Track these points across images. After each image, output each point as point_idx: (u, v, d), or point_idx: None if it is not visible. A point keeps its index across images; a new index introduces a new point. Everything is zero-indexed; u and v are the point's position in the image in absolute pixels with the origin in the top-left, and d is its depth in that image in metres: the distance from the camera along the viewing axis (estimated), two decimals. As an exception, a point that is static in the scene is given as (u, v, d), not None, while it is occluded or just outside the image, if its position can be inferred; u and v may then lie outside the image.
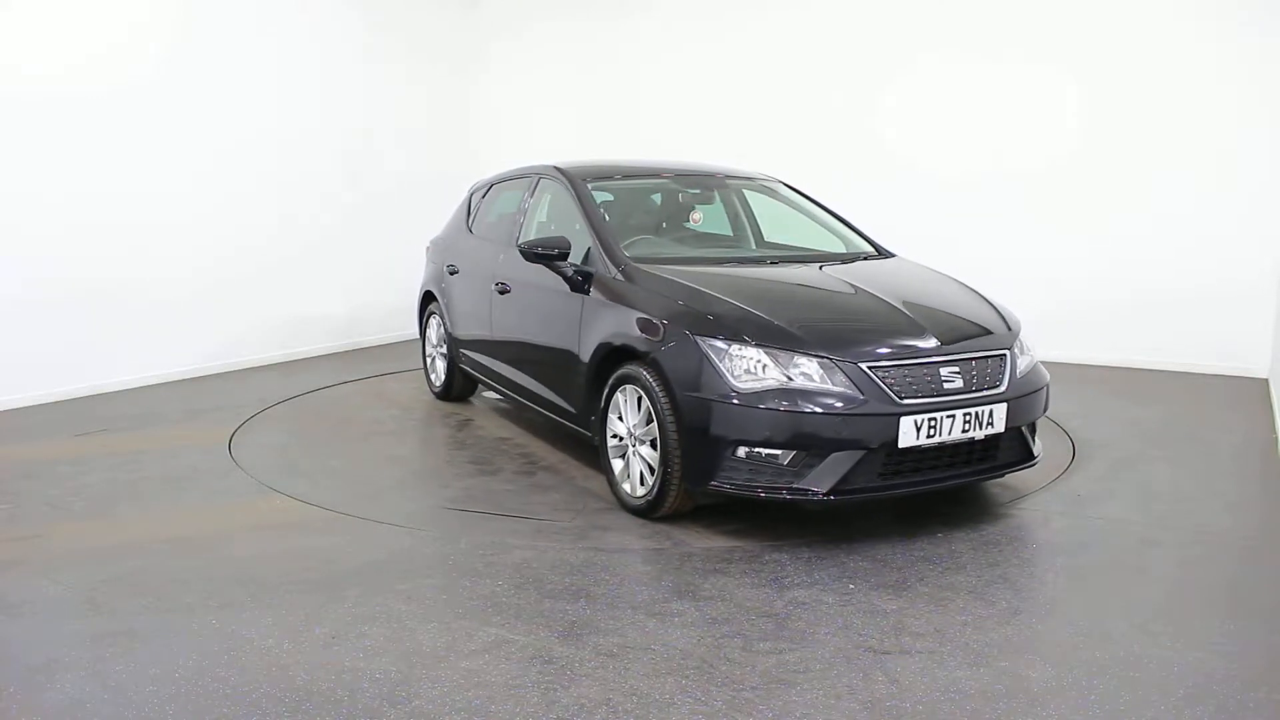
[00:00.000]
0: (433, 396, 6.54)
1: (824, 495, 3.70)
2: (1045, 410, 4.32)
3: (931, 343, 3.90)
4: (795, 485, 3.72)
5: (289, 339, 7.83)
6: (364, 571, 3.60)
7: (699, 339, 3.85)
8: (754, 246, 5.42)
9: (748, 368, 3.76)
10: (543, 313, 4.92)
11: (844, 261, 4.90)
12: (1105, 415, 5.96)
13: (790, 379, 3.72)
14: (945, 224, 7.92)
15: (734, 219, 5.58)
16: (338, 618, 3.20)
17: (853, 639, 3.08)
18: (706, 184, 5.61)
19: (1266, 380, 6.89)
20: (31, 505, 4.32)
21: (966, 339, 4.03)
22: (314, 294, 8.02)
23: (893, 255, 5.15)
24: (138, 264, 6.64)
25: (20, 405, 6.01)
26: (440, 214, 9.08)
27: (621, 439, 4.23)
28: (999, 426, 3.94)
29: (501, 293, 5.37)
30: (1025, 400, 4.08)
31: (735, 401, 3.71)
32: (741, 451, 3.74)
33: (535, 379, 5.07)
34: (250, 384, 6.85)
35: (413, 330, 9.02)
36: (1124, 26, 7.22)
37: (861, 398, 3.69)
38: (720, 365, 3.78)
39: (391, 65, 8.69)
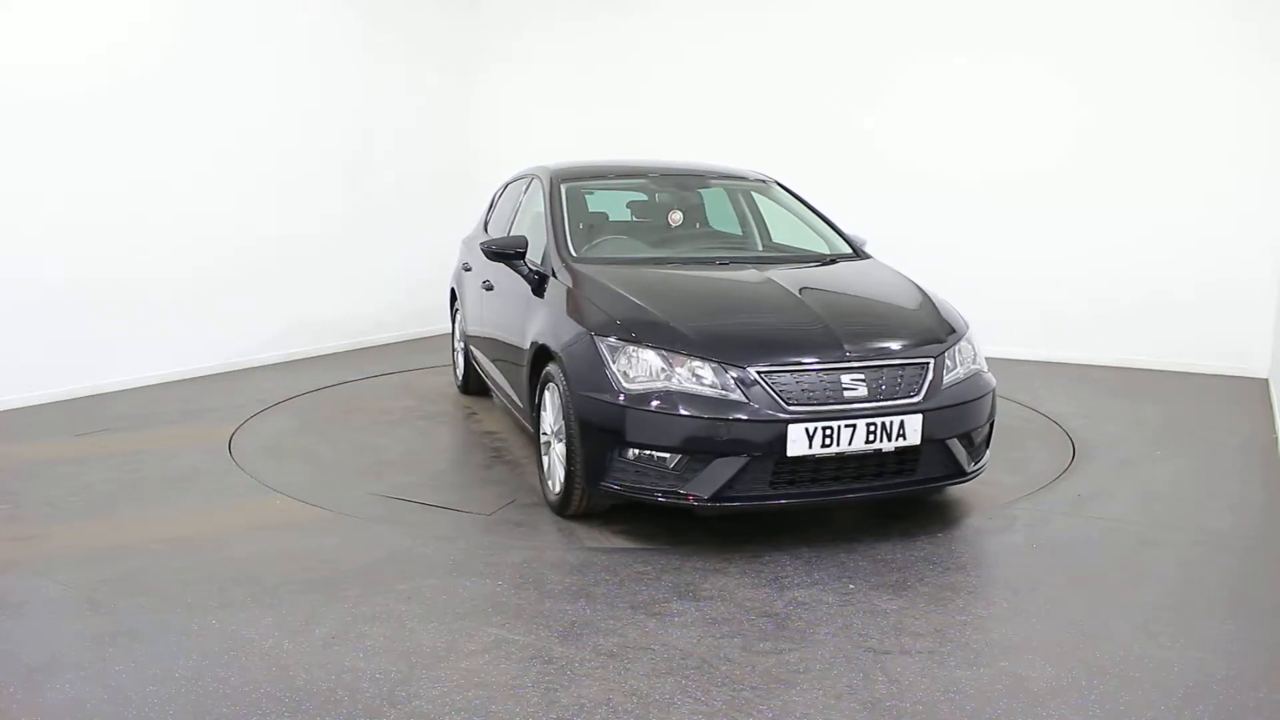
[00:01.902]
0: (457, 391, 6.69)
1: (705, 502, 3.63)
2: (985, 422, 4.07)
3: (836, 350, 3.75)
4: (680, 490, 3.66)
5: (289, 339, 7.83)
6: (364, 571, 3.60)
7: (597, 339, 3.87)
8: (727, 247, 5.28)
9: (638, 369, 3.74)
10: (507, 310, 5.02)
11: (807, 263, 4.83)
12: (1106, 415, 5.96)
13: (677, 381, 3.67)
14: (945, 225, 7.93)
15: (724, 217, 5.57)
16: (338, 618, 3.20)
17: (853, 639, 3.08)
18: (694, 183, 5.57)
19: (1266, 380, 6.89)
20: (31, 505, 4.32)
21: (877, 348, 3.82)
22: (314, 294, 8.02)
23: (868, 257, 5.01)
24: (138, 264, 6.64)
25: (20, 405, 6.01)
26: (440, 214, 9.11)
27: (547, 436, 4.27)
28: (913, 439, 3.72)
29: (487, 290, 5.52)
30: (950, 412, 3.83)
31: (623, 402, 3.69)
32: (631, 453, 3.71)
33: (503, 374, 5.21)
34: (250, 384, 6.85)
35: (414, 330, 9.05)
36: (1124, 27, 7.22)
37: (746, 403, 3.60)
38: (613, 366, 3.78)
39: (392, 65, 8.69)
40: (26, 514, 4.21)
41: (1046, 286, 7.66)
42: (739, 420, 3.58)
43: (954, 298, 7.75)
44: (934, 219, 7.95)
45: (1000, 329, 7.85)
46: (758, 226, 5.49)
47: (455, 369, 6.77)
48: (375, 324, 8.68)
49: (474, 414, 6.09)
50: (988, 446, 4.21)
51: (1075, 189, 7.49)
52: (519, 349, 4.69)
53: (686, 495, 3.64)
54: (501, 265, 5.04)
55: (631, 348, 3.77)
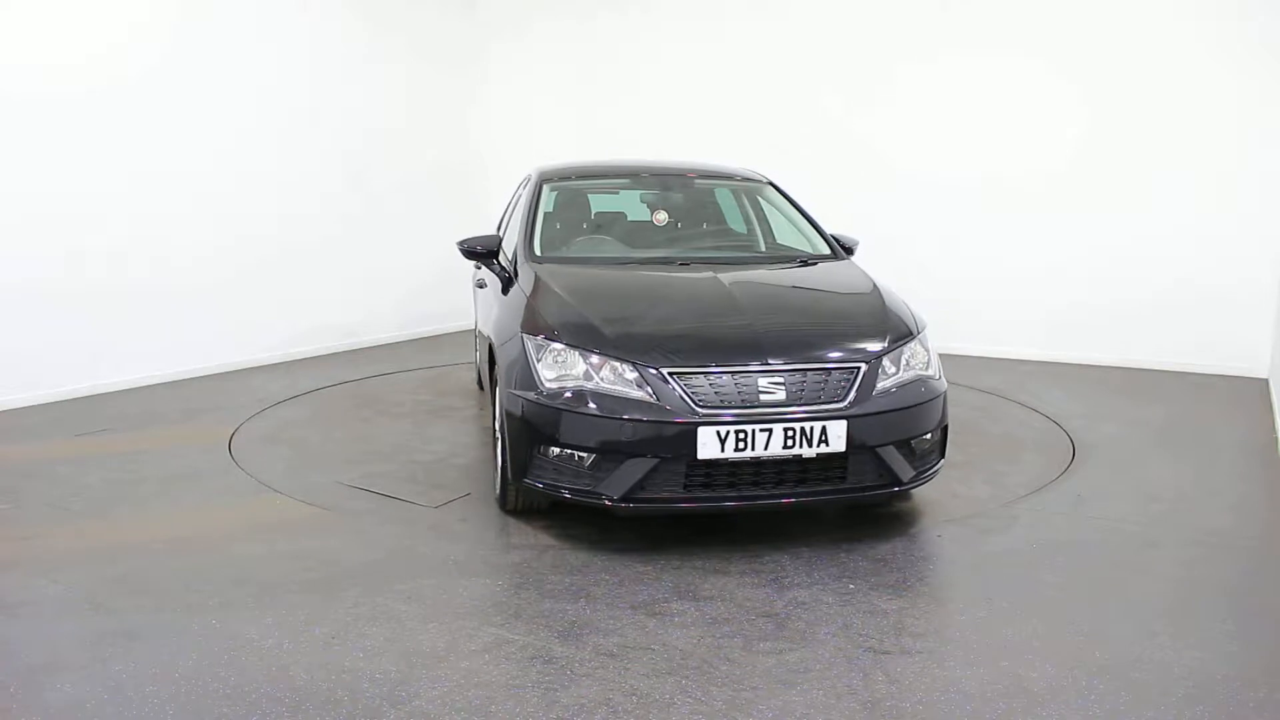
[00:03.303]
0: (477, 387, 6.76)
1: (616, 502, 3.62)
2: (931, 429, 3.94)
3: (756, 354, 3.70)
4: (592, 489, 3.67)
5: (289, 339, 7.83)
6: (364, 571, 3.60)
7: (524, 337, 3.94)
8: (705, 248, 5.19)
9: (560, 368, 3.77)
10: (488, 308, 5.11)
11: (777, 265, 4.83)
12: (1105, 415, 5.96)
13: (592, 381, 3.69)
14: (946, 225, 7.93)
15: (707, 217, 5.53)
16: (338, 618, 3.20)
17: (853, 639, 3.08)
18: (682, 183, 5.54)
19: (1266, 380, 6.89)
20: (31, 505, 4.32)
21: (801, 352, 3.74)
22: (315, 294, 8.02)
23: (845, 258, 4.92)
24: (138, 264, 6.65)
25: (20, 405, 6.01)
26: (440, 213, 9.11)
27: (497, 433, 4.33)
28: (836, 445, 3.63)
29: (479, 288, 5.68)
30: (882, 418, 3.73)
31: (541, 400, 3.73)
32: (551, 451, 3.73)
33: (484, 372, 5.33)
34: (250, 384, 6.85)
35: (414, 330, 9.05)
36: (1124, 28, 7.22)
37: (657, 404, 3.58)
38: (536, 364, 3.82)
39: (392, 65, 8.69)
40: (26, 514, 4.21)
41: (1046, 286, 7.66)
42: (648, 421, 3.56)
43: (954, 298, 7.86)
44: (934, 219, 7.96)
45: (1000, 329, 7.86)
46: (745, 226, 5.46)
47: (475, 365, 6.84)
48: (375, 324, 8.68)
49: (485, 410, 6.11)
50: (941, 454, 4.09)
51: (1075, 189, 7.49)
52: (487, 347, 4.81)
53: (598, 495, 3.65)
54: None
55: (556, 347, 3.81)
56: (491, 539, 3.96)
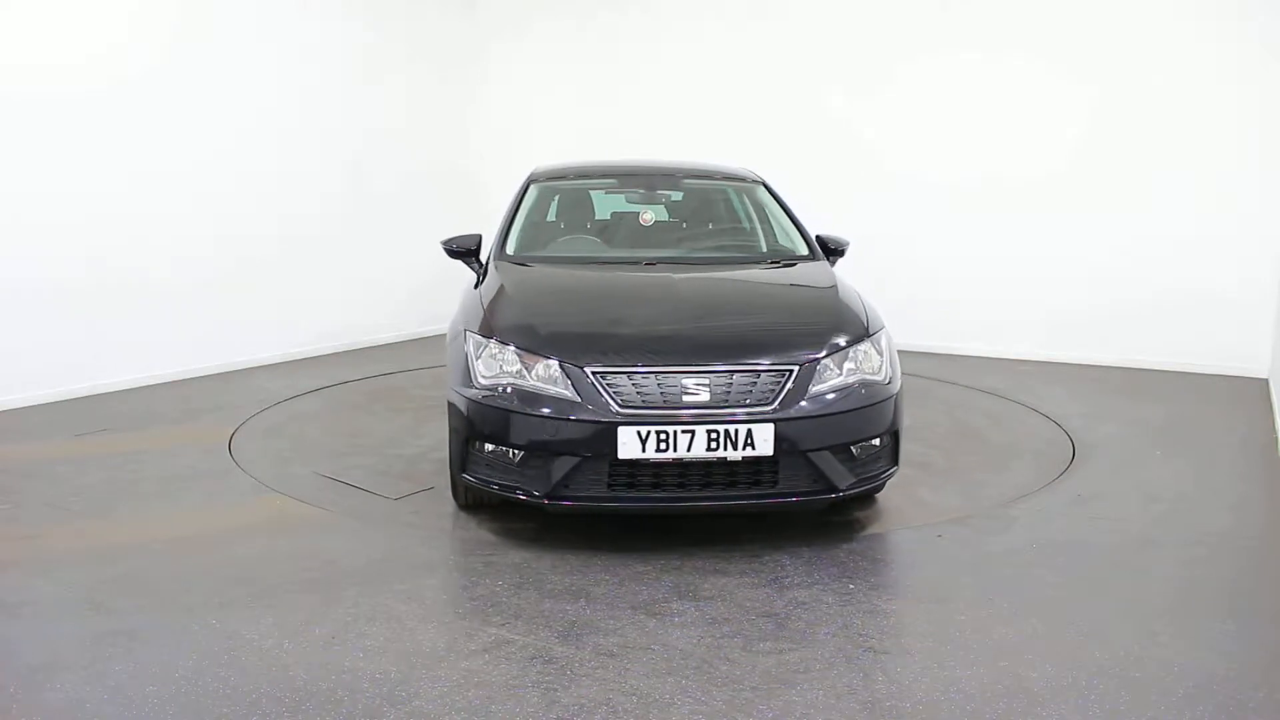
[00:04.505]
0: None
1: (541, 499, 3.66)
2: (875, 434, 3.82)
3: (683, 355, 3.69)
4: (520, 485, 3.72)
5: (289, 339, 7.82)
6: (364, 571, 3.60)
7: (466, 333, 4.03)
8: (684, 249, 5.15)
9: (495, 365, 3.83)
10: None
11: (746, 265, 4.81)
12: (1105, 415, 5.96)
13: (524, 379, 3.74)
14: (945, 225, 7.93)
15: (693, 218, 5.51)
16: (338, 618, 3.20)
17: (853, 639, 3.08)
18: (670, 183, 5.51)
19: (1266, 380, 6.89)
20: (31, 505, 4.32)
21: (730, 354, 3.70)
22: (315, 294, 8.02)
23: (821, 260, 4.82)
24: (138, 264, 6.64)
25: (20, 405, 6.00)
26: (440, 214, 9.10)
27: None
28: (764, 449, 3.57)
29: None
30: (815, 422, 3.65)
31: (476, 397, 3.80)
32: (487, 447, 3.79)
33: None
34: (250, 384, 6.85)
35: (414, 330, 9.05)
36: (1124, 28, 7.22)
37: (580, 403, 3.61)
38: (475, 361, 3.89)
39: (391, 65, 8.68)
40: (26, 514, 4.21)
41: (1046, 286, 7.66)
42: (571, 420, 3.60)
43: (954, 298, 7.87)
44: (934, 219, 7.95)
45: (1000, 329, 7.85)
46: (729, 226, 5.41)
47: None
48: (375, 324, 8.67)
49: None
50: (893, 461, 3.98)
51: (1075, 189, 7.49)
52: None
53: (525, 491, 3.70)
54: None
55: (492, 345, 3.88)
56: (413, 531, 4.04)
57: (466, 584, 3.48)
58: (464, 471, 3.91)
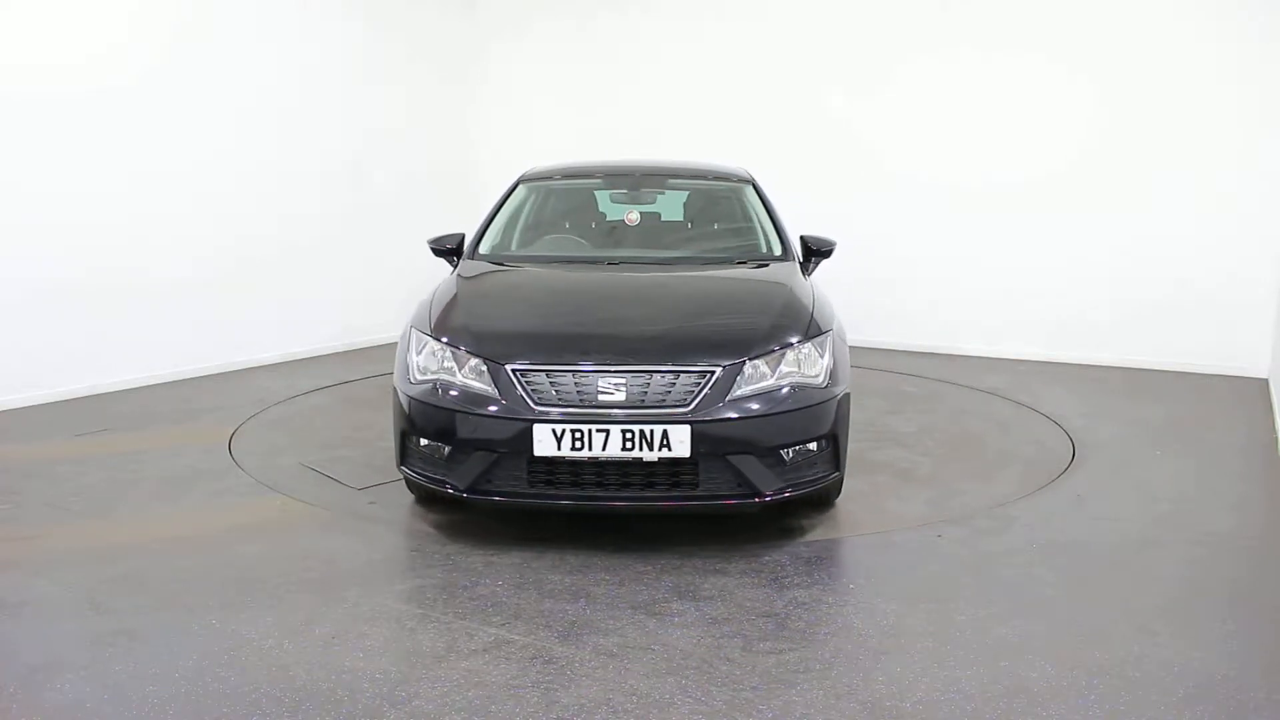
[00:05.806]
0: None
1: (462, 493, 3.73)
2: (807, 439, 3.73)
3: (602, 354, 3.69)
4: (444, 479, 3.80)
5: (289, 339, 7.82)
6: (364, 571, 3.60)
7: (411, 329, 4.11)
8: (658, 249, 5.13)
9: (431, 361, 3.91)
10: None
11: (710, 266, 4.74)
12: (1106, 415, 5.96)
13: (454, 375, 3.81)
14: (945, 226, 7.93)
15: (676, 217, 5.50)
16: (338, 618, 3.20)
17: (853, 639, 3.08)
18: (658, 183, 5.49)
19: (1266, 380, 6.89)
20: (31, 505, 4.32)
21: (648, 354, 3.69)
22: (315, 294, 8.01)
23: (791, 261, 4.75)
24: (137, 264, 6.64)
25: (20, 405, 6.00)
26: (440, 214, 9.09)
27: None
28: (680, 451, 3.55)
29: None
30: (735, 425, 3.61)
31: (411, 392, 3.89)
32: (422, 441, 3.87)
33: None
34: (250, 384, 6.85)
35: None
36: (1124, 28, 7.22)
37: (499, 399, 3.67)
38: (415, 357, 3.98)
39: (391, 65, 8.68)
40: (26, 514, 4.21)
41: (1046, 286, 7.65)
42: (489, 416, 3.67)
43: (954, 298, 7.87)
44: (934, 219, 7.95)
45: (1001, 329, 7.85)
46: (710, 226, 5.36)
47: None
48: (375, 324, 8.66)
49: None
50: (835, 467, 3.89)
51: (1075, 189, 7.49)
52: None
53: (451, 485, 3.77)
54: None
55: (429, 341, 3.96)
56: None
57: (466, 584, 3.48)
58: (402, 464, 4.01)
